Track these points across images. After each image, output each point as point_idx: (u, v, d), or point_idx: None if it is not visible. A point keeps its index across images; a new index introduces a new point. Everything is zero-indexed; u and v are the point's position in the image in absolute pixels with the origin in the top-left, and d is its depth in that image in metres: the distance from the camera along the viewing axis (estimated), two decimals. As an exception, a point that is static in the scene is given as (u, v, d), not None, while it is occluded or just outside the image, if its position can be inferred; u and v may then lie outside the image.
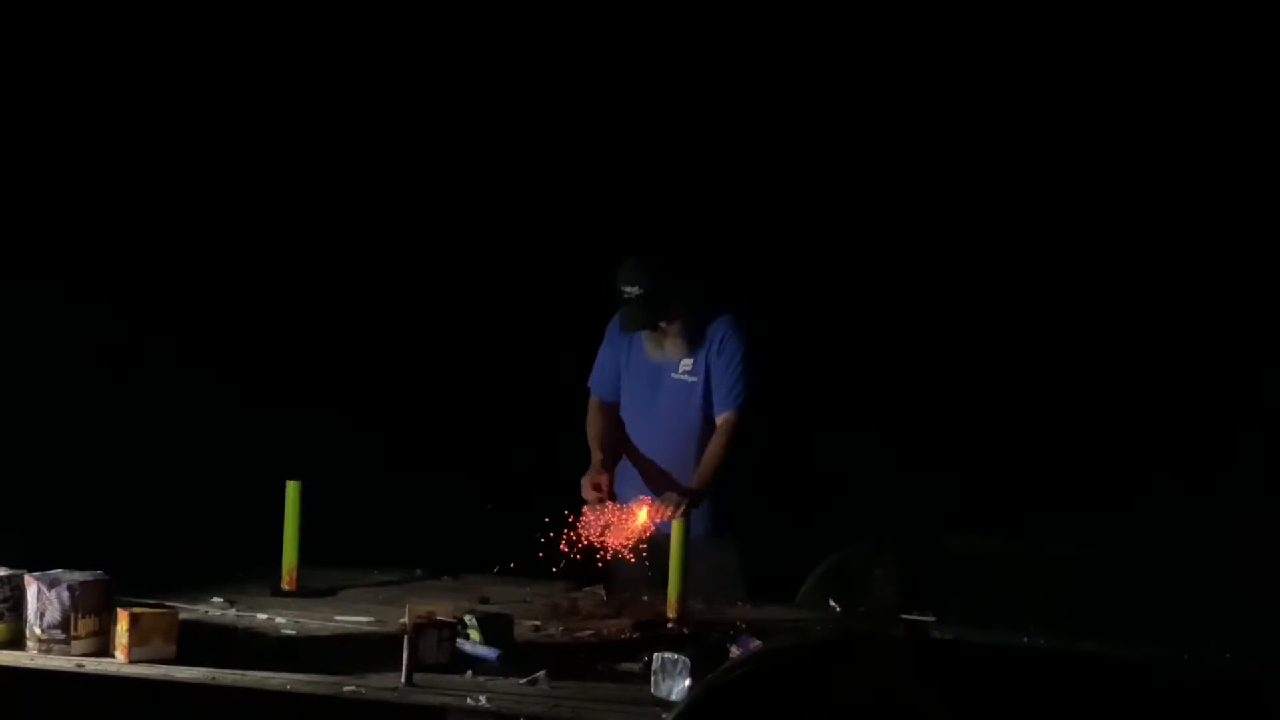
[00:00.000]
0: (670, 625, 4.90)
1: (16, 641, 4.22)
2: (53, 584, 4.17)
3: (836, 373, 6.52)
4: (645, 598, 5.22)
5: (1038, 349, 6.34)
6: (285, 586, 5.11)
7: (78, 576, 4.23)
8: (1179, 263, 6.26)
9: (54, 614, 4.15)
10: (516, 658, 4.35)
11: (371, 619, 4.83)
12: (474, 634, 4.42)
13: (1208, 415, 6.13)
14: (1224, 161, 6.23)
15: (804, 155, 6.67)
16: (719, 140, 6.74)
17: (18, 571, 4.30)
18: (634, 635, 4.78)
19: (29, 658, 4.18)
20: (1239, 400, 6.09)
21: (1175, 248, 6.27)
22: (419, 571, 5.59)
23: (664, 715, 3.81)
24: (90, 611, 4.17)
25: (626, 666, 4.36)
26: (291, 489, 5.10)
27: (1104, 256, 6.36)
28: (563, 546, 5.27)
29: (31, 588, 4.21)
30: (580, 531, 5.31)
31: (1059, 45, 6.35)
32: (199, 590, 5.00)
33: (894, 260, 6.59)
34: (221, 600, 4.95)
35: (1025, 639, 4.65)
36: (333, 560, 5.43)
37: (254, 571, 5.26)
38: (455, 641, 4.33)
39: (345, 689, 3.99)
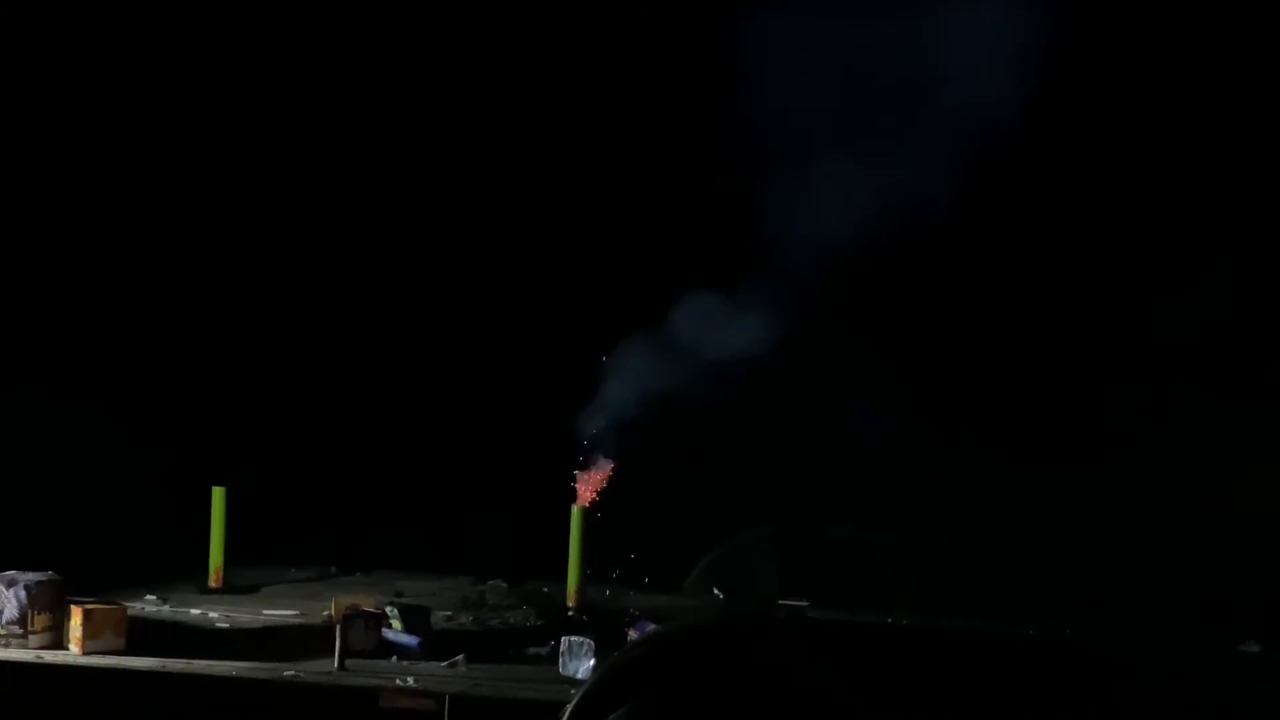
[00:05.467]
0: (570, 614, 5.38)
1: (-24, 638, 4.58)
2: (10, 583, 4.53)
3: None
4: (545, 589, 5.69)
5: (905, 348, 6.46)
6: (212, 584, 5.50)
7: (33, 576, 4.59)
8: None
9: (12, 611, 4.51)
10: (435, 644, 4.79)
11: (297, 612, 5.25)
12: (396, 623, 4.85)
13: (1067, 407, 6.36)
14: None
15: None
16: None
17: (-26, 573, 4.65)
18: (538, 623, 5.26)
19: (-10, 652, 4.54)
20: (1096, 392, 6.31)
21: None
22: (333, 569, 6.02)
23: (572, 691, 4.26)
24: (46, 608, 4.54)
25: (534, 650, 4.84)
26: (217, 494, 5.47)
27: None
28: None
29: (-11, 587, 4.57)
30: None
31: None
32: (131, 589, 5.34)
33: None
34: (154, 598, 5.33)
35: (889, 620, 5.22)
36: (248, 560, 5.81)
37: (178, 571, 5.63)
38: (380, 630, 4.78)
39: (285, 674, 4.41)
